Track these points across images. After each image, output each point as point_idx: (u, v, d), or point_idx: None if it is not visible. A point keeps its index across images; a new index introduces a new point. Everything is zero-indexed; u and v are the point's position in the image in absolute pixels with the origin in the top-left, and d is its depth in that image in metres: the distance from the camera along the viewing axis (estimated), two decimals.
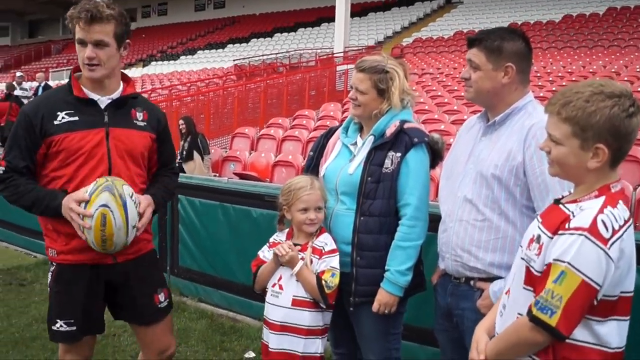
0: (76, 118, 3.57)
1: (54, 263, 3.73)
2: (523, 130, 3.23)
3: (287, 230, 3.98)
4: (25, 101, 20.68)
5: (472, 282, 3.39)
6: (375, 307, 3.68)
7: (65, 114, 3.56)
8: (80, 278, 3.66)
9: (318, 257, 3.75)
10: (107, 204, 3.37)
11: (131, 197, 3.46)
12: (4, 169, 3.60)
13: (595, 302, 2.40)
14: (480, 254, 3.31)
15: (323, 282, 3.66)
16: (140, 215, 3.55)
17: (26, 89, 23.09)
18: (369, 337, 3.86)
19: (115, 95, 3.70)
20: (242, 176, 10.99)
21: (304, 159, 11.58)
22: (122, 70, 3.82)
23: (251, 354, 5.75)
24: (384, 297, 3.65)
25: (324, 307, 3.72)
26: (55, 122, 3.53)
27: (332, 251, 3.73)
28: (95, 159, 3.56)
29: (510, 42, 3.31)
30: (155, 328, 3.94)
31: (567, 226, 2.43)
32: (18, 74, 26.61)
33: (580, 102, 2.45)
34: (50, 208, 3.50)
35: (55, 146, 3.53)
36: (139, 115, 3.78)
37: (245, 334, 6.20)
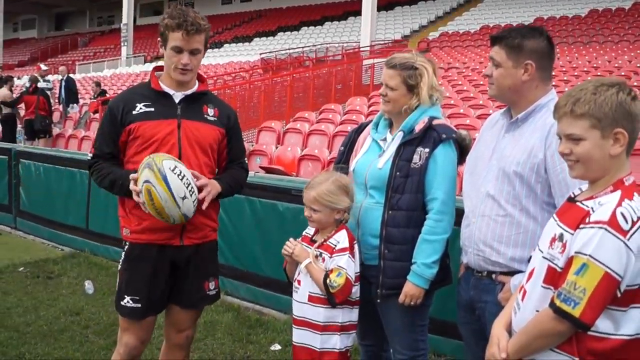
0: (152, 109, 3.91)
1: (127, 242, 4.02)
2: (545, 128, 3.25)
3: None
4: (49, 93, 20.83)
5: (493, 276, 3.42)
6: (401, 298, 3.72)
7: (143, 105, 3.92)
8: (147, 257, 3.94)
9: (329, 255, 3.79)
10: (149, 180, 3.61)
11: (172, 170, 3.64)
12: (91, 155, 4.06)
13: (618, 294, 2.44)
14: (502, 249, 3.34)
15: (328, 280, 3.71)
16: (195, 189, 3.74)
17: (49, 81, 23.22)
18: (396, 329, 3.91)
19: (191, 90, 4.02)
20: (268, 170, 11.01)
21: (330, 153, 11.61)
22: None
23: (277, 347, 5.79)
24: (411, 289, 3.70)
25: (332, 306, 3.76)
26: (134, 112, 3.89)
27: (342, 250, 3.77)
28: (167, 146, 3.85)
29: (530, 39, 3.34)
30: (188, 311, 4.15)
31: (587, 220, 2.48)
32: (43, 67, 26.75)
33: (589, 96, 2.56)
34: (124, 187, 3.79)
35: (133, 133, 3.88)
36: (210, 111, 4.06)
37: (271, 327, 6.25)
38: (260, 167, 11.66)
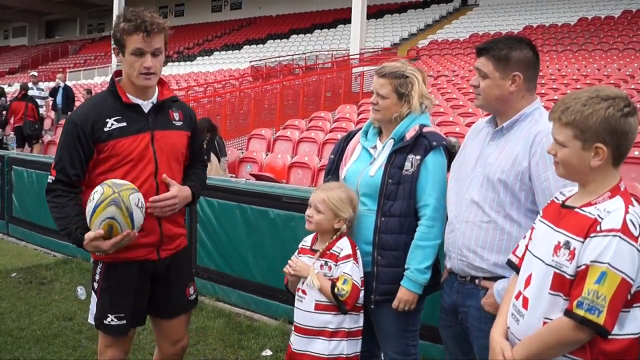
0: (124, 124, 3.72)
1: (100, 262, 3.88)
2: (529, 136, 3.31)
3: (312, 235, 4.07)
4: (40, 102, 20.84)
5: (477, 281, 3.47)
6: (395, 304, 3.77)
7: (114, 120, 3.71)
8: (130, 274, 3.83)
9: (334, 263, 3.83)
10: (114, 217, 3.49)
11: (137, 204, 3.55)
12: (53, 179, 3.73)
13: (629, 297, 2.51)
14: (485, 254, 3.39)
15: (336, 289, 3.74)
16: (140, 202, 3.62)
17: (42, 89, 23.21)
18: (389, 334, 3.95)
19: (154, 98, 3.87)
20: (258, 177, 11.04)
21: (320, 161, 11.66)
22: None
23: (268, 352, 5.82)
24: (404, 295, 3.75)
25: (342, 313, 3.79)
26: (105, 129, 3.68)
27: (346, 257, 3.80)
28: (144, 162, 3.74)
29: (517, 50, 3.38)
30: (178, 320, 4.11)
31: (598, 228, 2.53)
32: (32, 73, 26.69)
33: (578, 107, 2.61)
34: (70, 236, 3.63)
35: (106, 152, 3.69)
36: (176, 116, 3.96)
37: (262, 332, 6.28)
38: (251, 175, 11.71)
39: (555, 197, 2.87)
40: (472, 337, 3.48)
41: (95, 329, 4.00)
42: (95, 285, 3.93)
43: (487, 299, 3.37)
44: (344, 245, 3.83)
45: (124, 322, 3.86)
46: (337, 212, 3.83)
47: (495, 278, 3.37)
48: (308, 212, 3.93)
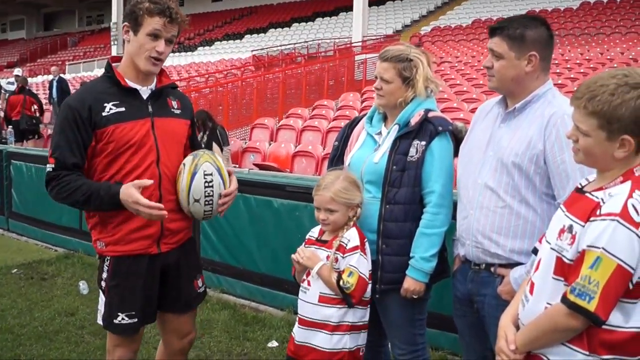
0: (123, 109, 3.59)
1: (107, 258, 3.73)
2: (543, 119, 3.22)
3: (319, 226, 3.97)
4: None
5: (492, 269, 3.40)
6: (402, 294, 3.71)
7: (112, 104, 3.58)
8: (139, 269, 3.70)
9: (342, 254, 3.74)
10: (185, 164, 3.67)
11: (205, 173, 3.63)
12: (52, 166, 3.56)
13: (630, 286, 2.41)
14: (501, 240, 3.32)
15: (342, 282, 3.66)
16: (214, 203, 3.70)
17: (13, 83, 22.99)
18: (395, 324, 3.89)
19: (153, 85, 3.75)
20: (261, 167, 10.99)
21: (324, 149, 11.61)
22: None
23: (274, 344, 5.77)
24: (411, 284, 3.68)
25: (349, 306, 3.71)
26: (104, 114, 3.54)
27: (354, 248, 3.71)
28: (145, 149, 3.60)
29: (532, 29, 3.28)
30: (186, 315, 4.02)
31: (598, 212, 2.44)
32: (16, 71, 26.32)
33: (606, 96, 2.47)
34: (107, 198, 3.47)
35: (105, 139, 3.54)
36: (174, 104, 3.85)
37: (268, 323, 6.23)
38: (254, 165, 11.64)
39: (580, 183, 2.76)
40: (489, 326, 3.40)
41: (105, 329, 3.86)
42: (103, 283, 3.77)
43: (503, 286, 3.31)
44: (351, 236, 3.74)
45: (135, 320, 3.73)
46: (348, 202, 3.74)
47: (511, 265, 3.30)
48: (321, 216, 3.79)
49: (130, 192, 3.41)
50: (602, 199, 2.48)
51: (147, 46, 3.55)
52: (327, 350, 3.71)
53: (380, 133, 3.90)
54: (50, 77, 24.19)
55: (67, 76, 34.30)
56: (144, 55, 3.57)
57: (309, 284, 3.81)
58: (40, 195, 9.63)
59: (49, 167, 3.58)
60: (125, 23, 3.61)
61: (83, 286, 7.25)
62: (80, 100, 3.58)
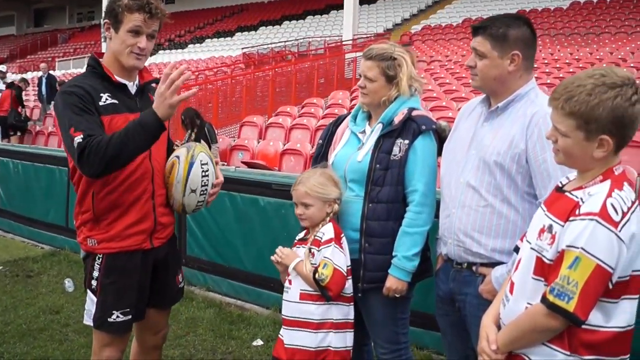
0: (116, 101, 3.58)
1: (98, 255, 3.66)
2: (526, 118, 3.23)
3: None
4: None
5: (474, 268, 3.40)
6: (384, 293, 3.70)
7: (107, 95, 3.56)
8: (134, 265, 3.69)
9: (317, 248, 3.73)
10: (179, 156, 3.69)
11: (202, 162, 3.71)
12: (81, 137, 3.31)
13: (610, 286, 2.41)
14: (482, 239, 3.32)
15: (317, 275, 3.64)
16: (206, 193, 3.78)
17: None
18: (378, 322, 3.88)
19: (137, 80, 3.76)
20: (250, 165, 10.98)
21: (313, 147, 11.58)
22: None
23: (259, 342, 5.77)
24: (393, 283, 3.67)
25: (327, 300, 3.70)
26: (101, 103, 3.52)
27: (328, 241, 3.71)
28: None
29: (515, 29, 3.28)
30: (167, 310, 4.08)
31: (577, 212, 2.44)
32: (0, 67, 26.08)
33: (583, 96, 2.46)
34: (148, 125, 3.32)
35: (103, 127, 3.46)
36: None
37: (253, 322, 6.22)
38: (242, 162, 11.64)
39: (560, 182, 2.76)
40: (470, 325, 3.41)
41: (96, 329, 3.75)
42: (94, 282, 3.68)
43: (485, 286, 3.32)
44: (326, 230, 3.74)
45: (130, 317, 3.70)
46: (323, 197, 3.75)
47: (492, 264, 3.30)
48: (298, 210, 3.83)
49: (157, 102, 3.32)
50: (582, 199, 2.48)
51: (128, 42, 3.54)
52: (313, 349, 3.70)
53: (364, 132, 3.90)
54: (40, 73, 24.08)
55: (56, 73, 34.21)
56: (127, 51, 3.56)
57: (290, 282, 3.80)
58: (26, 192, 9.61)
59: (78, 138, 3.31)
60: (106, 20, 3.60)
61: (69, 284, 7.21)
62: (79, 87, 3.51)
